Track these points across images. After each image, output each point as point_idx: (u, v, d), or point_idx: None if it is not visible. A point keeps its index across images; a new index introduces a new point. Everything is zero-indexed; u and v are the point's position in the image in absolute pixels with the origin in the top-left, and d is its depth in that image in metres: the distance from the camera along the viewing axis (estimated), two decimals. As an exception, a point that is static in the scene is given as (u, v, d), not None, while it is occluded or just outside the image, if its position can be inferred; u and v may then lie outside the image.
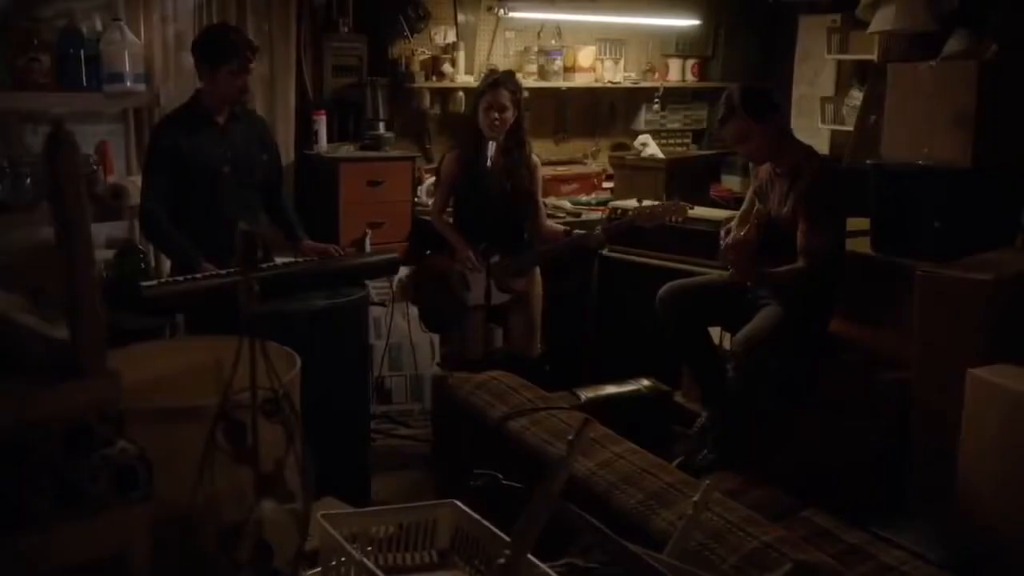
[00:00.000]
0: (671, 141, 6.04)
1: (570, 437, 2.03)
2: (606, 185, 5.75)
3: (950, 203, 3.30)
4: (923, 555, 2.66)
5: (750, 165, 3.70)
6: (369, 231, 4.71)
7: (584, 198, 5.45)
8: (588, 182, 5.63)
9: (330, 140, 4.93)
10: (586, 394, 3.55)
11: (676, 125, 6.13)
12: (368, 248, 4.65)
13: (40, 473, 1.27)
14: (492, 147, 3.89)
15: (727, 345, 3.77)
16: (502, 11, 5.09)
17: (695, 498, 2.02)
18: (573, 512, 2.04)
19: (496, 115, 3.93)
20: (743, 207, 3.73)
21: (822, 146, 5.82)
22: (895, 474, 3.13)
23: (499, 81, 4.04)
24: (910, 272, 3.37)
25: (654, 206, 4.08)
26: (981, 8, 4.82)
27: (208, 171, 3.57)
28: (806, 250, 3.25)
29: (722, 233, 3.57)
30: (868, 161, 3.60)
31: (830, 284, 3.38)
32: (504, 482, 2.64)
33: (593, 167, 5.84)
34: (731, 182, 6.07)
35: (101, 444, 1.32)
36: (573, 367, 4.58)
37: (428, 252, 4.27)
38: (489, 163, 3.85)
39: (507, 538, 2.28)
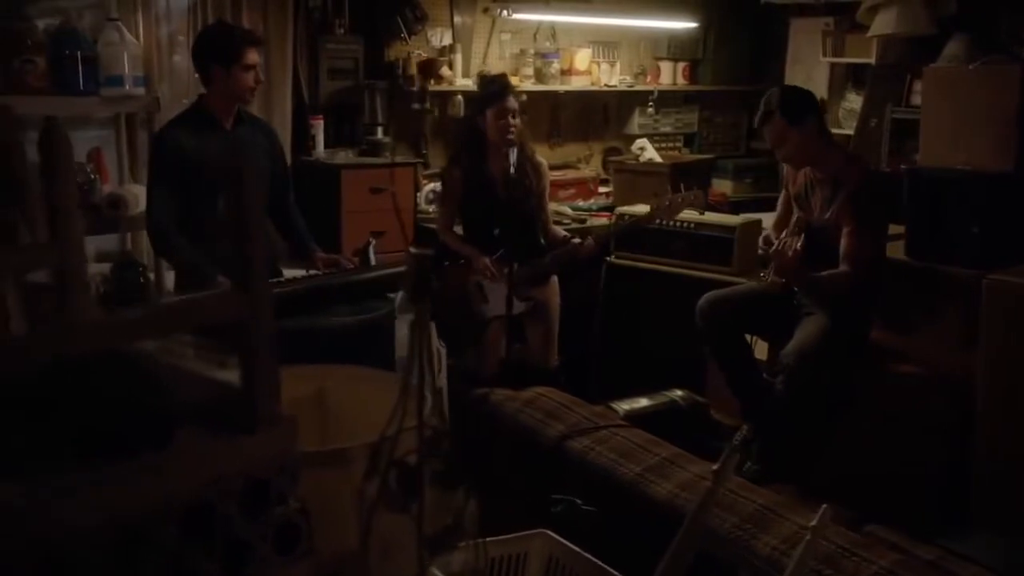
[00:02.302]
0: (664, 145, 5.97)
1: (714, 467, 1.93)
2: (601, 190, 5.66)
3: (991, 208, 3.27)
4: (995, 569, 2.61)
5: (783, 170, 3.62)
6: (373, 240, 4.54)
7: (583, 203, 5.35)
8: (584, 187, 5.53)
9: (327, 145, 4.76)
10: (623, 407, 3.44)
11: (668, 128, 6.06)
12: (373, 258, 4.49)
13: (215, 535, 1.12)
14: (514, 153, 3.79)
15: (759, 354, 3.70)
16: (505, 12, 4.96)
17: (813, 523, 1.93)
18: (732, 547, 1.93)
19: (511, 121, 3.84)
20: (778, 213, 3.67)
21: (815, 149, 5.81)
22: (950, 485, 3.08)
23: (506, 88, 3.97)
24: (946, 278, 3.35)
25: (672, 198, 3.98)
26: (979, 11, 4.86)
27: (217, 178, 3.40)
28: (850, 256, 3.20)
29: (760, 241, 3.51)
30: (901, 166, 3.55)
31: (873, 291, 3.33)
32: (584, 507, 2.53)
33: (586, 172, 5.75)
34: (723, 186, 6.04)
35: (277, 500, 1.17)
36: (585, 378, 4.47)
37: (446, 263, 4.11)
38: (513, 170, 3.75)
39: (607, 568, 2.16)
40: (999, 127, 3.22)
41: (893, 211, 3.47)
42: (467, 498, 1.30)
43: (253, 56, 3.35)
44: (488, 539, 2.00)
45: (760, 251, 3.54)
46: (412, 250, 1.29)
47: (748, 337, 3.69)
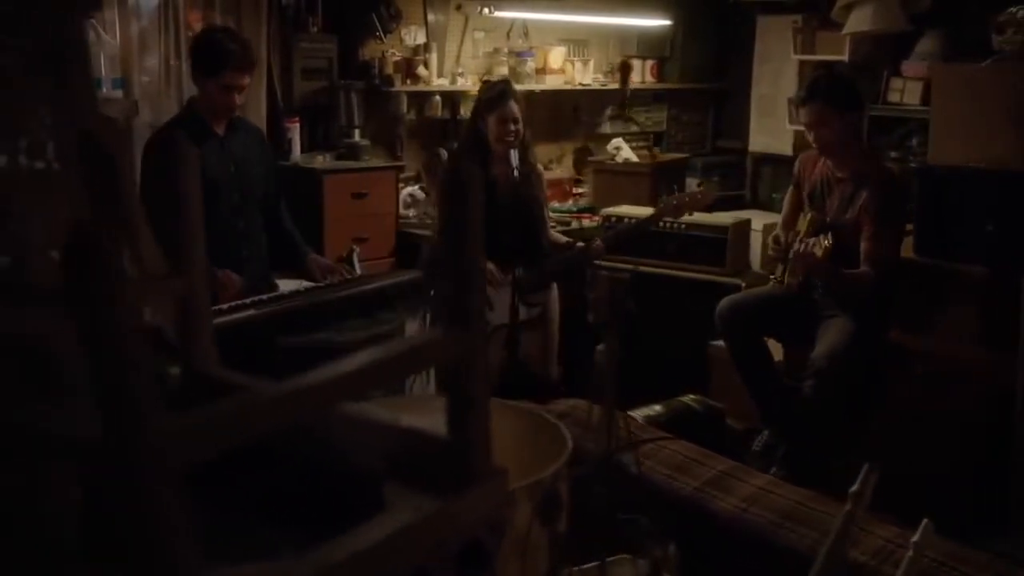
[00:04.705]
0: (634, 144, 5.91)
1: (853, 489, 1.84)
2: (575, 191, 5.58)
3: (1005, 206, 3.28)
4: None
5: (796, 168, 3.57)
6: (356, 247, 4.37)
7: (560, 205, 5.25)
8: (560, 188, 5.44)
9: (302, 149, 4.58)
10: (639, 415, 3.36)
11: (638, 127, 6.01)
12: (357, 266, 4.32)
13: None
14: (515, 156, 3.69)
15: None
16: (486, 10, 4.83)
17: (915, 538, 1.87)
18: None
19: (512, 127, 3.74)
20: (785, 211, 3.63)
21: (785, 147, 5.83)
22: (979, 483, 3.08)
23: (507, 91, 3.87)
24: (959, 275, 3.35)
25: (679, 197, 3.93)
26: (952, 8, 4.92)
27: (211, 187, 3.22)
28: (872, 257, 3.17)
29: (770, 241, 3.47)
30: (912, 164, 3.55)
31: (893, 291, 3.32)
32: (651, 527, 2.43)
33: (558, 172, 5.66)
34: (692, 184, 6.00)
35: (489, 561, 1.05)
36: (582, 386, 4.38)
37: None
38: (516, 174, 3.64)
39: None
40: (1015, 125, 3.22)
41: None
42: (666, 550, 1.20)
43: (235, 78, 3.15)
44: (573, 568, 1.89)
45: (771, 252, 3.48)
46: (605, 274, 1.18)
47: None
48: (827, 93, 3.25)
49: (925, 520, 1.94)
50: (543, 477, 1.34)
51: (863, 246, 3.18)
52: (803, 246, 3.14)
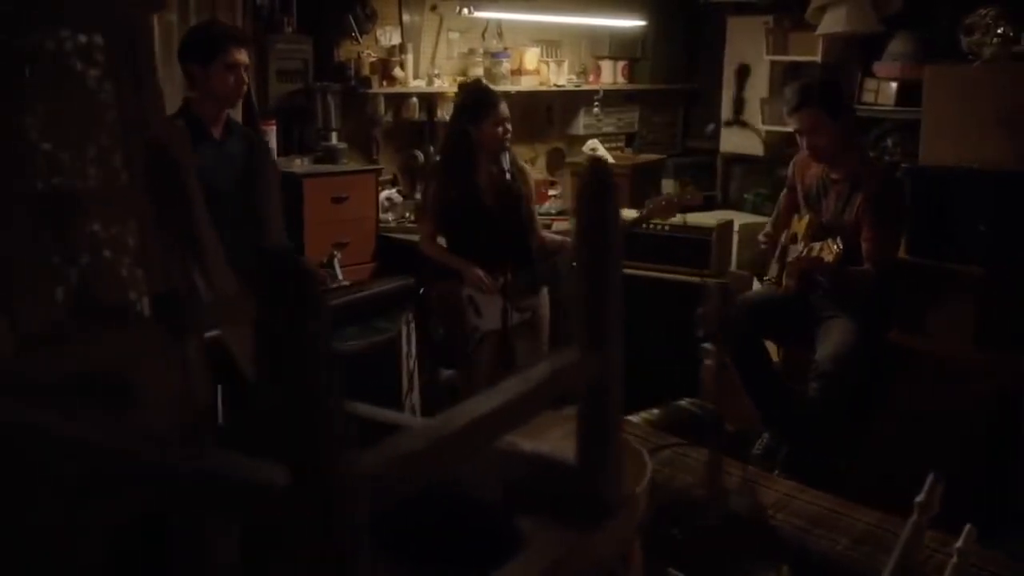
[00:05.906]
0: (606, 145, 5.89)
1: (918, 499, 1.82)
2: (550, 192, 5.54)
3: (998, 206, 3.30)
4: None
5: (790, 170, 3.54)
6: (338, 253, 4.27)
7: (538, 208, 5.20)
8: (536, 190, 5.38)
9: (279, 152, 4.46)
10: (637, 420, 3.32)
11: (611, 128, 5.99)
12: (339, 271, 4.23)
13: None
14: (506, 158, 3.65)
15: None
16: (466, 10, 4.76)
17: (958, 544, 1.86)
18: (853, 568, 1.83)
19: (507, 127, 3.71)
20: (778, 211, 3.61)
21: (756, 147, 5.86)
22: (982, 486, 3.10)
23: (496, 94, 3.84)
24: (953, 275, 3.38)
25: (668, 197, 3.94)
26: (923, 10, 4.98)
27: (210, 193, 3.10)
28: (873, 257, 3.17)
29: (761, 237, 3.47)
30: (904, 165, 3.57)
31: (893, 291, 3.33)
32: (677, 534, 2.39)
33: (533, 174, 5.60)
34: (667, 185, 6.00)
35: (622, 596, 0.99)
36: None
37: (422, 289, 3.85)
38: (508, 176, 3.60)
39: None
40: (1005, 126, 3.25)
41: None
42: (781, 572, 1.15)
43: (236, 55, 3.09)
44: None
45: (763, 247, 3.46)
46: (709, 283, 1.13)
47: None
48: (821, 99, 3.22)
49: (968, 526, 1.93)
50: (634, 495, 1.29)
51: (864, 247, 3.18)
52: (808, 251, 3.12)
